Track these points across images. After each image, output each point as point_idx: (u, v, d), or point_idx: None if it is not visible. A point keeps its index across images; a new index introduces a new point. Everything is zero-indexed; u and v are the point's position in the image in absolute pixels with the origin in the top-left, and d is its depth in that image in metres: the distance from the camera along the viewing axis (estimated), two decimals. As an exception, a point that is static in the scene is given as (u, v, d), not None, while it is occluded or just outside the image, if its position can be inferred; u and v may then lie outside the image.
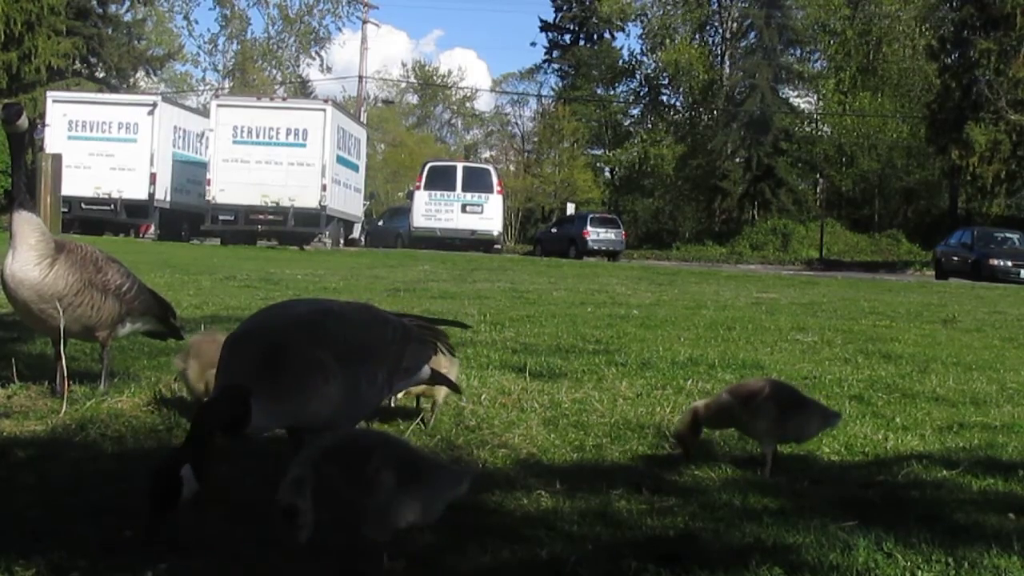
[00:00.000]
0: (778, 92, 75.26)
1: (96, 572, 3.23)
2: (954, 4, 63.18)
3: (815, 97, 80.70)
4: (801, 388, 5.40)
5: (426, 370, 4.65)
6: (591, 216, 57.51)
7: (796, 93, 79.65)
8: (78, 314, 6.01)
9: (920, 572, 3.55)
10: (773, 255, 64.77)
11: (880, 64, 77.82)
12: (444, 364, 5.09)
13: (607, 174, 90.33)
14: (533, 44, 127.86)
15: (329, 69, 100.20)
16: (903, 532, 3.91)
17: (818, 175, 77.83)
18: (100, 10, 61.71)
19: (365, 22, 75.77)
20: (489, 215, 46.63)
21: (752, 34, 76.97)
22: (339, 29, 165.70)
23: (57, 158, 22.86)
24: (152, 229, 42.71)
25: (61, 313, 5.90)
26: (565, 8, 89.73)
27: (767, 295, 18.58)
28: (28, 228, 5.84)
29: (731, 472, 4.92)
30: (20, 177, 6.06)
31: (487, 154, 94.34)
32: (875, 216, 75.50)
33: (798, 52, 79.30)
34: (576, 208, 68.31)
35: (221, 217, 39.59)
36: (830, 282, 26.64)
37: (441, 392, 5.40)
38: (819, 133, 79.41)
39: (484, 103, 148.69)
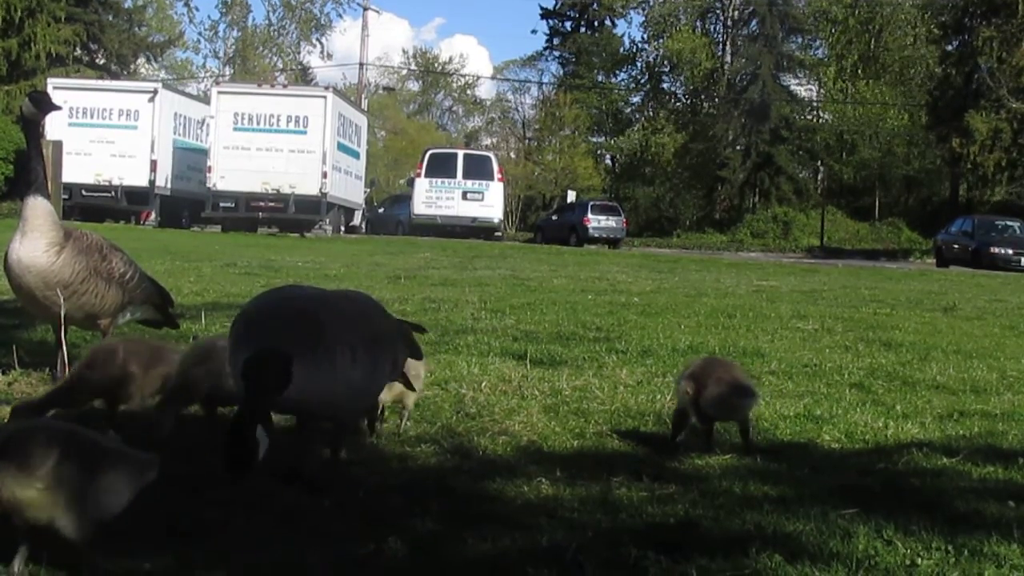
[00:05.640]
0: (779, 80, 75.20)
1: (95, 562, 3.23)
2: (956, -9, 63.10)
3: (816, 85, 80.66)
4: (733, 365, 5.38)
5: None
6: (592, 204, 57.40)
7: (797, 81, 79.62)
8: (82, 302, 6.02)
9: (920, 560, 3.55)
10: (774, 243, 64.70)
11: (881, 52, 77.68)
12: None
13: (608, 162, 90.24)
14: (534, 31, 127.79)
15: (330, 56, 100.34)
16: (903, 520, 3.92)
17: (818, 163, 77.77)
18: (101, -4, 61.63)
19: (366, 9, 75.63)
20: (490, 202, 46.61)
21: (754, 22, 76.91)
22: (340, 16, 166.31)
23: (58, 145, 22.70)
24: (153, 216, 42.67)
25: (63, 300, 5.92)
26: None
27: (768, 283, 18.58)
28: (41, 214, 5.88)
29: (731, 460, 4.93)
30: (38, 164, 6.10)
31: (488, 141, 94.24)
32: (876, 204, 75.38)
33: (800, 40, 79.24)
34: (577, 196, 68.18)
35: (222, 204, 39.59)
36: (831, 270, 26.64)
37: (411, 398, 5.33)
38: (820, 121, 79.33)
39: (485, 90, 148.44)
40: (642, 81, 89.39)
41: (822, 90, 79.97)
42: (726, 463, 4.87)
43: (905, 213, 72.19)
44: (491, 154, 51.99)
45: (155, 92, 43.01)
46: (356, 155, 45.87)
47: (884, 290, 17.85)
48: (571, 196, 67.62)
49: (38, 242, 5.88)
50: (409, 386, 4.94)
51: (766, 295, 15.39)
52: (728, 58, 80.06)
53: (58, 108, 6.53)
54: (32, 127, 6.35)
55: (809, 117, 79.78)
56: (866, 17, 77.37)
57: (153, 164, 41.98)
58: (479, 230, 44.86)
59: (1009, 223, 45.20)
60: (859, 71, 76.52)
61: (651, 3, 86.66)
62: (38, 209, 5.89)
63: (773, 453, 5.08)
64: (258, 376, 3.39)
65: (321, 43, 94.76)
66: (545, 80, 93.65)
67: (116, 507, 3.21)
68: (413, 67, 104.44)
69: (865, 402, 6.46)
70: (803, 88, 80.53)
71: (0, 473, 3.08)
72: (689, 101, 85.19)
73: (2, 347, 6.75)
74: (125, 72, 60.76)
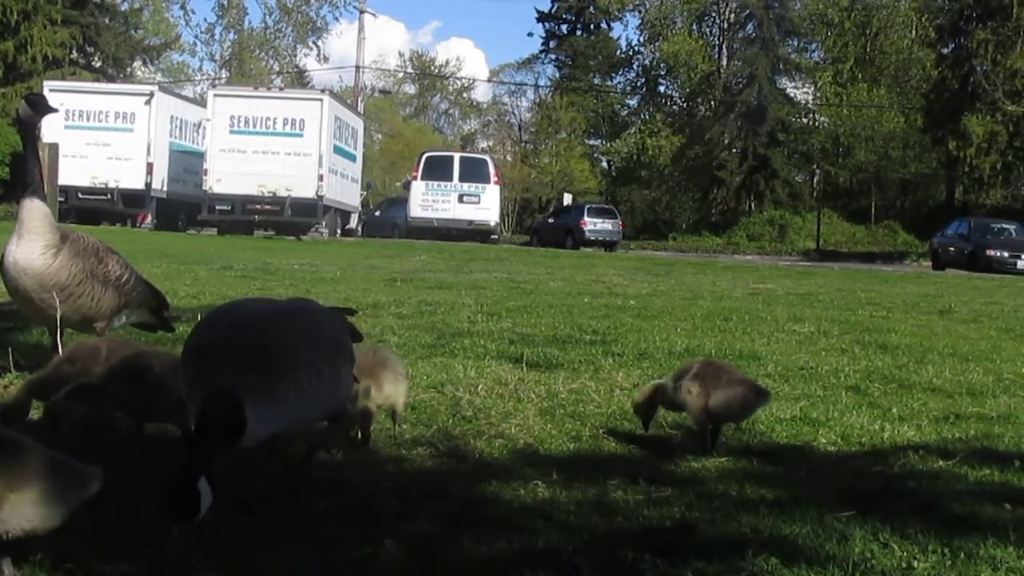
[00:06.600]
0: (775, 83, 75.32)
1: (95, 563, 3.23)
2: (952, -6, 63.18)
3: (812, 88, 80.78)
4: (735, 367, 5.44)
5: None
6: (588, 206, 57.44)
7: (793, 84, 79.79)
8: (78, 304, 6.02)
9: (916, 563, 3.55)
10: (770, 246, 64.79)
11: (877, 55, 77.82)
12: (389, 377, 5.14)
13: (604, 165, 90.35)
14: (530, 34, 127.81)
15: (326, 59, 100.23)
16: (899, 523, 3.91)
17: (814, 166, 77.88)
18: (97, -1, 61.64)
19: (362, 12, 75.72)
20: (486, 205, 46.65)
21: (750, 25, 77.05)
22: (336, 19, 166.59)
23: (54, 147, 22.74)
24: (149, 219, 42.72)
25: (59, 303, 5.91)
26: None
27: (764, 286, 18.58)
28: (37, 216, 5.88)
29: (728, 462, 4.93)
30: (35, 166, 6.10)
31: (484, 144, 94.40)
32: (872, 207, 75.48)
33: (796, 43, 79.43)
34: (573, 198, 68.17)
35: (218, 207, 39.64)
36: (827, 273, 26.65)
37: (400, 400, 5.29)
38: (816, 124, 79.45)
39: (481, 93, 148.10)
40: (638, 84, 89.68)
41: (818, 93, 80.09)
42: (722, 466, 4.87)
43: (901, 216, 72.31)
44: (487, 157, 52.09)
45: (151, 95, 43.09)
46: (352, 158, 45.92)
47: (880, 293, 17.85)
48: (567, 199, 67.61)
49: (34, 244, 5.88)
50: (355, 378, 4.73)
51: (762, 298, 15.39)
52: (724, 61, 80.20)
53: (55, 110, 6.53)
54: (28, 129, 6.35)
55: (805, 120, 79.92)
56: (862, 20, 77.54)
57: (149, 167, 42.06)
58: (475, 233, 44.90)
59: (1005, 225, 45.24)
60: (855, 74, 76.63)
61: (647, 6, 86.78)
62: (34, 211, 5.89)
63: (769, 456, 5.08)
64: (211, 426, 3.25)
65: (317, 46, 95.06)
66: (541, 83, 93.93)
67: (51, 518, 3.13)
68: (409, 70, 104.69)
69: (861, 405, 6.45)
70: (799, 91, 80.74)
71: None
72: (685, 104, 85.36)
73: (-2, 350, 6.74)
74: (121, 75, 60.81)
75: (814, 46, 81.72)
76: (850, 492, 4.40)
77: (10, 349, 6.50)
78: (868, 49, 77.96)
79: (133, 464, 4.33)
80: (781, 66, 76.43)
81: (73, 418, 4.69)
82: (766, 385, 6.43)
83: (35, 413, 5.12)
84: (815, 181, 79.17)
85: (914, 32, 75.43)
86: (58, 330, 6.04)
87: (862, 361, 8.36)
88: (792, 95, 78.81)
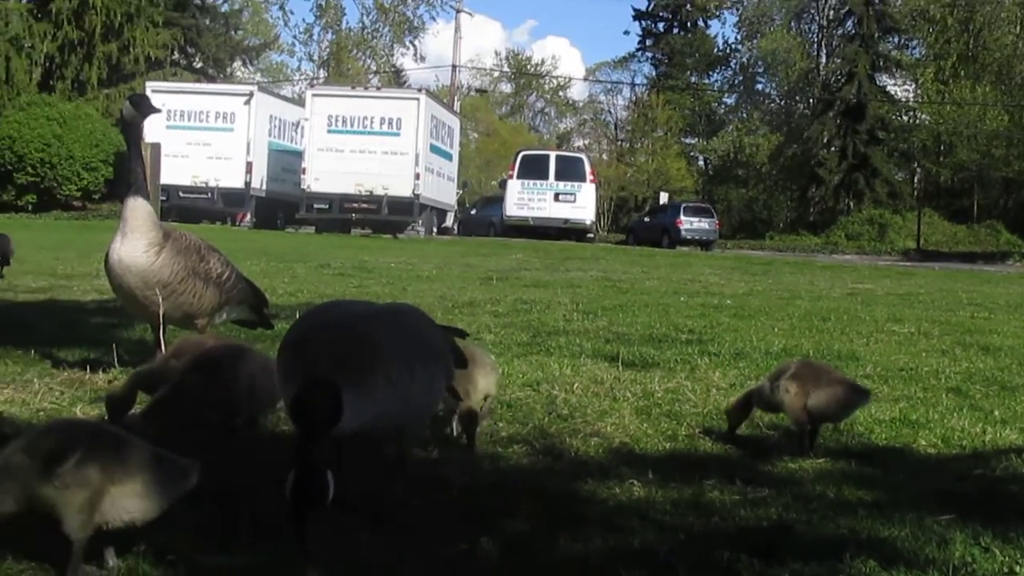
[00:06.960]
0: (875, 80, 74.34)
1: (196, 555, 3.29)
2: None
3: (913, 85, 79.64)
4: (833, 367, 5.42)
5: None
6: (684, 205, 57.24)
7: (894, 82, 78.71)
8: (180, 301, 6.12)
9: (1019, 567, 3.50)
10: (869, 245, 63.85)
11: (981, 52, 76.50)
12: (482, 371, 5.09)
13: (701, 163, 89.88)
14: (626, 32, 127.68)
15: (423, 58, 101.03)
16: (1001, 527, 3.85)
17: (915, 165, 76.75)
18: (198, 1, 62.50)
19: (459, 11, 76.15)
20: (582, 204, 46.62)
21: (850, 21, 76.11)
22: (433, 19, 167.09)
23: (156, 147, 23.12)
24: (248, 217, 43.26)
25: (161, 300, 6.01)
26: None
27: (863, 286, 18.39)
28: (140, 215, 5.99)
29: (825, 463, 4.89)
30: (139, 165, 6.21)
31: (580, 143, 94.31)
32: (974, 206, 74.20)
33: (896, 40, 78.31)
34: (669, 197, 67.92)
35: (316, 205, 40.08)
36: (927, 273, 26.29)
37: (493, 389, 5.25)
38: (917, 122, 78.28)
39: (577, 92, 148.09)
40: (735, 82, 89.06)
41: (919, 90, 78.92)
42: (820, 467, 4.83)
43: (1004, 215, 70.93)
44: (583, 156, 52.06)
45: (251, 95, 43.62)
46: (448, 157, 46.14)
47: (982, 293, 17.57)
48: (663, 198, 67.39)
49: (138, 242, 5.99)
50: (456, 396, 4.78)
51: (861, 298, 15.22)
52: (823, 58, 79.40)
53: (158, 111, 6.64)
54: (132, 130, 6.46)
55: (906, 118, 78.79)
56: (965, 16, 76.28)
57: (248, 166, 42.56)
58: (571, 231, 44.87)
59: (1113, 224, 44.29)
60: (958, 71, 75.40)
61: (745, 3, 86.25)
62: (138, 210, 6.00)
63: (868, 457, 5.03)
64: (309, 415, 3.24)
65: (414, 45, 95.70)
66: (638, 81, 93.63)
67: (150, 511, 3.19)
68: (505, 69, 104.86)
69: (962, 407, 6.35)
70: (900, 88, 79.61)
71: (22, 469, 3.10)
72: (783, 102, 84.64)
73: (103, 346, 6.87)
74: (221, 75, 61.65)
75: (915, 43, 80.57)
76: (951, 495, 4.34)
77: (114, 345, 6.63)
78: (971, 45, 76.70)
79: (228, 459, 4.39)
80: (881, 63, 75.44)
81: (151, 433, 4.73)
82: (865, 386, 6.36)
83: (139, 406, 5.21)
84: (916, 180, 78.06)
85: (1019, 28, 74.08)
86: (160, 327, 6.14)
87: (963, 362, 8.23)
88: (892, 92, 77.71)
